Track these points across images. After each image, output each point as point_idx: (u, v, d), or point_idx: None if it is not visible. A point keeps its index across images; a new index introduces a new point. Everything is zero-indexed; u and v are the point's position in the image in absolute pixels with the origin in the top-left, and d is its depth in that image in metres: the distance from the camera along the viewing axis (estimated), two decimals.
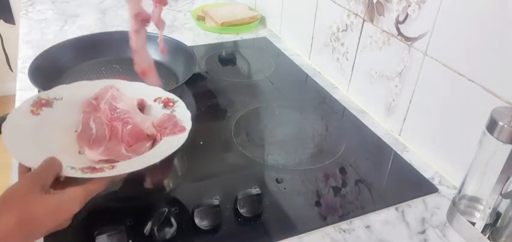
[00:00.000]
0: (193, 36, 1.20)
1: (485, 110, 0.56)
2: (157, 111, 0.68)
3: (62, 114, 0.65)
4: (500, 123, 0.53)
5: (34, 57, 0.88)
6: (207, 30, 1.24)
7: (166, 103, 0.69)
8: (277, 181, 0.68)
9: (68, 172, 0.52)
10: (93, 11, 1.31)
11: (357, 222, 0.63)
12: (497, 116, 0.54)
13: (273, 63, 1.08)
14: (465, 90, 0.66)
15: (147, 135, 0.62)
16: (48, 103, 0.65)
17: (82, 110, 0.65)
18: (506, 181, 0.54)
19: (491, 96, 0.62)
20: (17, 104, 0.83)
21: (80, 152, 0.61)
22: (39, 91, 0.83)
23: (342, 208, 0.64)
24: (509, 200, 0.56)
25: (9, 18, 2.21)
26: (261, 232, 0.60)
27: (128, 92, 0.69)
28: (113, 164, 0.56)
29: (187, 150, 0.73)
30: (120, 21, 1.26)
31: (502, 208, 0.58)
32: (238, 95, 0.92)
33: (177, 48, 0.99)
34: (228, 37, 1.21)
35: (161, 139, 0.62)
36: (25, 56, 1.01)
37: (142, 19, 0.77)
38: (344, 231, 0.61)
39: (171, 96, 0.70)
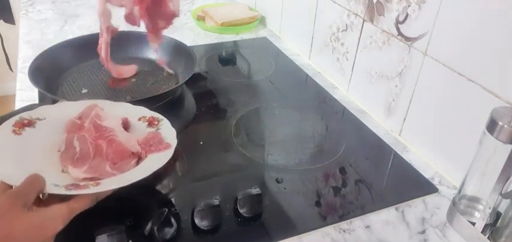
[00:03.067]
0: (193, 36, 1.20)
1: (485, 110, 0.56)
2: (142, 130, 0.67)
3: (44, 134, 0.63)
4: (500, 123, 0.53)
5: (34, 57, 0.88)
6: (207, 30, 1.24)
7: (151, 122, 0.69)
8: (277, 181, 0.68)
9: (51, 189, 0.50)
10: (93, 11, 1.30)
11: (357, 222, 0.63)
12: (497, 116, 0.54)
13: (273, 63, 1.08)
14: (465, 90, 0.66)
15: (132, 152, 0.62)
16: (30, 124, 0.64)
17: (65, 130, 0.64)
18: (506, 181, 0.54)
19: (491, 96, 0.62)
20: (17, 104, 0.83)
21: (63, 171, 0.60)
22: (39, 92, 0.83)
23: (342, 208, 0.64)
24: (509, 200, 0.56)
25: (9, 18, 2.21)
26: (261, 232, 0.60)
27: (112, 112, 0.68)
28: (98, 181, 0.55)
29: (187, 150, 0.73)
30: (120, 21, 1.26)
31: (502, 208, 0.58)
32: (238, 95, 0.92)
33: (177, 48, 0.99)
34: (228, 37, 1.21)
35: (146, 156, 0.62)
36: (25, 56, 1.01)
37: (112, 31, 0.87)
38: (344, 231, 0.61)
39: (156, 115, 0.70)
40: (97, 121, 0.64)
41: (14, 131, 0.62)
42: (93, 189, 0.52)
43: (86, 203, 0.51)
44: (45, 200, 0.51)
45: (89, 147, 0.61)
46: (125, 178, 0.56)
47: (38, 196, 0.49)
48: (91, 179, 0.57)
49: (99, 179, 0.57)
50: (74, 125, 0.65)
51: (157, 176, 0.69)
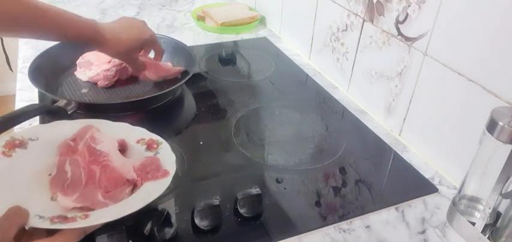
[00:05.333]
0: (193, 36, 1.20)
1: (485, 110, 0.56)
2: (140, 153, 0.64)
3: (36, 157, 0.60)
4: (500, 123, 0.53)
5: (34, 57, 0.88)
6: (207, 30, 1.24)
7: (150, 145, 0.65)
8: (277, 181, 0.68)
9: (35, 222, 0.47)
10: (93, 11, 1.31)
11: (357, 222, 0.63)
12: (497, 116, 0.54)
13: (273, 63, 1.08)
14: (465, 90, 0.66)
15: (127, 180, 0.58)
16: (22, 144, 0.60)
17: (58, 152, 0.60)
18: (506, 181, 0.54)
19: (491, 96, 0.62)
20: (17, 104, 0.83)
21: (52, 198, 0.56)
22: (39, 91, 0.83)
23: (342, 208, 0.64)
24: (509, 200, 0.56)
25: None
26: (261, 232, 0.60)
27: (110, 132, 0.65)
28: (87, 213, 0.52)
29: (187, 150, 0.73)
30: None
31: (502, 208, 0.58)
32: (238, 95, 0.92)
33: (177, 48, 0.99)
34: (228, 37, 1.21)
35: (142, 184, 0.58)
36: (25, 56, 1.01)
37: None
38: (344, 231, 0.61)
39: (156, 137, 0.66)
40: (92, 145, 0.60)
41: (3, 153, 0.58)
42: (80, 223, 0.49)
43: (73, 238, 0.48)
44: (29, 233, 0.47)
45: (81, 172, 0.57)
46: (116, 210, 0.53)
47: (22, 228, 0.46)
48: (81, 209, 0.54)
49: (90, 209, 0.54)
50: (67, 147, 0.61)
51: None
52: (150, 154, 0.63)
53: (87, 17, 0.78)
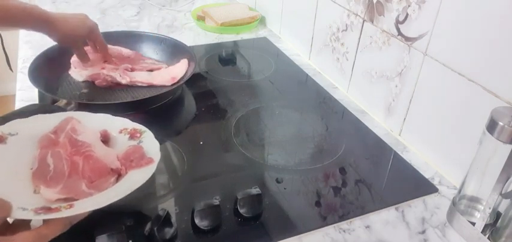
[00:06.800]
0: (193, 36, 1.20)
1: (485, 110, 0.56)
2: (123, 143, 0.63)
3: (16, 151, 0.58)
4: (500, 123, 0.53)
5: (34, 57, 0.88)
6: (207, 30, 1.24)
7: (133, 134, 0.64)
8: (277, 181, 0.68)
9: (18, 213, 0.46)
10: (93, 11, 1.31)
11: (357, 222, 0.63)
12: (497, 116, 0.54)
13: (273, 63, 1.08)
14: (465, 90, 0.66)
15: (111, 169, 0.57)
16: (1, 140, 0.59)
17: (39, 145, 0.59)
18: (506, 181, 0.54)
19: (491, 96, 0.62)
20: (17, 104, 0.83)
21: (35, 191, 0.55)
22: (39, 91, 0.83)
23: (342, 208, 0.64)
24: (509, 200, 0.56)
25: None
26: (261, 232, 0.60)
27: (91, 124, 0.64)
28: (71, 203, 0.51)
29: (187, 150, 0.73)
30: (120, 21, 1.26)
31: (502, 208, 0.58)
32: (238, 95, 0.92)
33: (177, 48, 0.99)
34: (228, 37, 1.21)
35: (127, 173, 0.58)
36: (25, 56, 1.01)
37: None
38: (344, 231, 0.61)
39: (138, 126, 0.65)
40: (73, 136, 0.59)
41: None
42: (65, 212, 0.48)
43: (58, 228, 0.47)
44: (13, 226, 0.46)
45: (63, 164, 0.56)
46: (102, 198, 0.52)
47: (6, 222, 0.45)
48: (65, 200, 0.53)
49: (74, 199, 0.53)
50: (48, 140, 0.60)
51: (158, 177, 0.69)
52: (134, 143, 0.62)
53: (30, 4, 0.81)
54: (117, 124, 0.66)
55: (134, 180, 0.55)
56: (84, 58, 0.90)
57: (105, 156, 0.59)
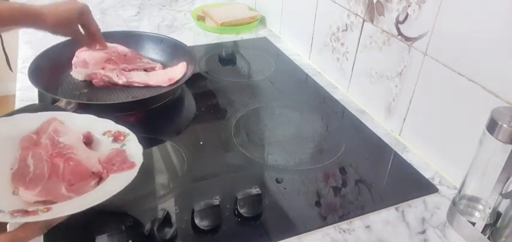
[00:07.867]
0: (193, 36, 1.20)
1: (485, 110, 0.56)
2: (107, 146, 0.62)
3: None
4: (500, 123, 0.53)
5: (34, 57, 0.88)
6: (207, 30, 1.24)
7: (117, 137, 0.63)
8: (277, 181, 0.68)
9: None
10: (93, 11, 1.29)
11: (357, 222, 0.63)
12: (497, 116, 0.54)
13: (273, 63, 1.08)
14: (465, 90, 0.66)
15: (93, 172, 0.57)
16: None
17: (20, 146, 0.59)
18: (506, 181, 0.54)
19: (491, 96, 0.62)
20: (17, 104, 0.83)
21: (14, 193, 0.54)
22: (39, 91, 0.83)
23: (342, 208, 0.64)
24: (509, 200, 0.56)
25: None
26: (261, 232, 0.60)
27: (74, 125, 0.63)
28: (49, 206, 0.50)
29: (187, 150, 0.73)
30: (120, 21, 1.26)
31: (502, 208, 0.58)
32: (238, 95, 0.92)
33: (177, 48, 0.99)
34: (228, 37, 1.21)
35: (108, 176, 0.57)
36: (25, 56, 1.01)
37: None
38: (344, 231, 0.61)
39: (122, 129, 0.64)
40: (55, 138, 0.59)
41: None
42: (42, 216, 0.47)
43: (35, 232, 0.47)
44: None
45: (44, 165, 0.55)
46: (80, 202, 0.52)
47: None
48: (44, 202, 0.52)
49: (53, 203, 0.52)
50: (29, 141, 0.59)
51: (158, 177, 0.69)
52: (117, 146, 0.62)
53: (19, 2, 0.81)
54: (101, 126, 0.65)
55: (114, 184, 0.54)
56: (82, 41, 0.89)
57: (87, 159, 0.58)
